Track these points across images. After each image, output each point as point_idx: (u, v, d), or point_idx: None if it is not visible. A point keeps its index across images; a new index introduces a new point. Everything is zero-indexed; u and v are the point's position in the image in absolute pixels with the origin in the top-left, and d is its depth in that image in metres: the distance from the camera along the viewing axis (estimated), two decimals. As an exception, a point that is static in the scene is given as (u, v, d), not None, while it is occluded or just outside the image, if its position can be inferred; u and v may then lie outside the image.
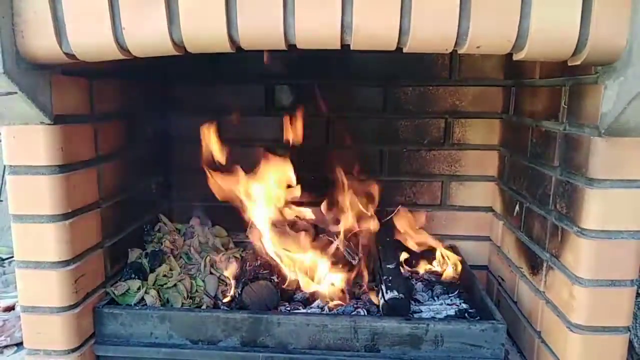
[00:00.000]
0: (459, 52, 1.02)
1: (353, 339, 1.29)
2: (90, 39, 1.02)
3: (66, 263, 1.22)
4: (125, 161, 1.53)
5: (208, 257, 1.64)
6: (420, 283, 1.66)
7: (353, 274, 1.57)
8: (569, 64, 1.03)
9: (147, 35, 1.01)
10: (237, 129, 1.82)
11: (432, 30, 0.97)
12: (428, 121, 1.82)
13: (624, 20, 0.94)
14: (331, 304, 1.45)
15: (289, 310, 1.40)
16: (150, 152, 1.70)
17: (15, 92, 1.03)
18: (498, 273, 1.75)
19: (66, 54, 1.03)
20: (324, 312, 1.41)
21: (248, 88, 1.85)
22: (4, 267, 2.06)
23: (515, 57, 1.03)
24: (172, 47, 1.02)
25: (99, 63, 1.09)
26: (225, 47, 1.02)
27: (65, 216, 1.21)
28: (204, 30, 1.00)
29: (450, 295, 1.57)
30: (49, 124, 1.14)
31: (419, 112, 1.82)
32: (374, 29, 0.98)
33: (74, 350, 1.26)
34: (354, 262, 1.58)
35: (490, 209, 1.86)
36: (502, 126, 1.78)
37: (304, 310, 1.41)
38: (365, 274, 1.59)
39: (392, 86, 1.81)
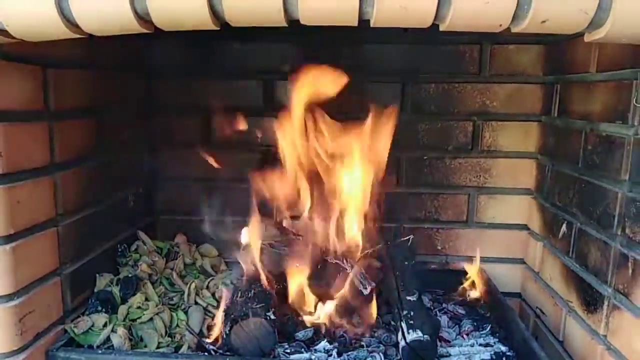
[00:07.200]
0: (517, 29, 0.77)
1: (368, 394, 1.03)
2: (27, 10, 0.77)
3: (8, 298, 0.98)
4: (94, 168, 1.28)
5: (193, 284, 1.38)
6: (445, 315, 1.40)
7: (366, 306, 1.31)
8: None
9: (102, 5, 0.76)
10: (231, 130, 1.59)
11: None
12: (453, 124, 1.58)
13: None
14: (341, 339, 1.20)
15: (288, 355, 1.14)
16: (127, 157, 1.45)
17: None
18: (535, 303, 1.49)
19: (-4, 29, 0.78)
20: (332, 356, 1.15)
21: (244, 84, 1.60)
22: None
23: (588, 37, 0.79)
24: (136, 22, 0.78)
25: (57, 48, 0.87)
26: (206, 22, 0.78)
27: (6, 239, 0.96)
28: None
29: (482, 332, 1.31)
30: (-19, 123, 0.89)
31: (443, 113, 1.58)
32: (405, -3, 0.73)
33: (18, 408, 1.01)
34: (365, 292, 1.32)
35: (525, 227, 1.60)
36: (542, 130, 1.53)
37: (307, 355, 1.15)
38: (380, 306, 1.33)
39: (411, 82, 1.57)
